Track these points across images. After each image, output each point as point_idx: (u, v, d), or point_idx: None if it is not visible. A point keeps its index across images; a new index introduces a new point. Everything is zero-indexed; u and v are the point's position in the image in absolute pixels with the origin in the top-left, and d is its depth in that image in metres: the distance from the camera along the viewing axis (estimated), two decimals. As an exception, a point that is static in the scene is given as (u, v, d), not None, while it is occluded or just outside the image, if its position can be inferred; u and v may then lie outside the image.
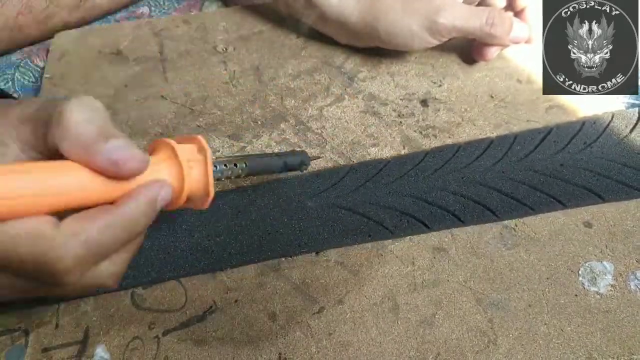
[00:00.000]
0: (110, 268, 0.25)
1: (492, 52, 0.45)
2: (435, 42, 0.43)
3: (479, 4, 0.45)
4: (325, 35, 0.48)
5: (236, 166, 0.31)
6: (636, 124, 0.41)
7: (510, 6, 0.45)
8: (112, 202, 0.24)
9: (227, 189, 0.39)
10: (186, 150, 0.27)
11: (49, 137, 0.23)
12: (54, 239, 0.22)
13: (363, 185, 0.38)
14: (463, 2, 0.43)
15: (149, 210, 0.25)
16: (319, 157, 0.40)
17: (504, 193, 0.37)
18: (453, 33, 0.42)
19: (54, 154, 0.23)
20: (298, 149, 0.39)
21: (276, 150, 0.41)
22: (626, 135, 0.40)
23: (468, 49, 0.47)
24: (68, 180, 0.23)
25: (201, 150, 0.28)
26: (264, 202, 0.38)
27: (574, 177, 0.38)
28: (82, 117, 0.23)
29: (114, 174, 0.23)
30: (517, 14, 0.45)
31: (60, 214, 0.23)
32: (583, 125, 0.41)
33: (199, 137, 0.28)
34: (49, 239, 0.22)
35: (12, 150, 0.23)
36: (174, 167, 0.26)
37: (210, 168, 0.27)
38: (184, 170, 0.26)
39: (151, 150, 0.28)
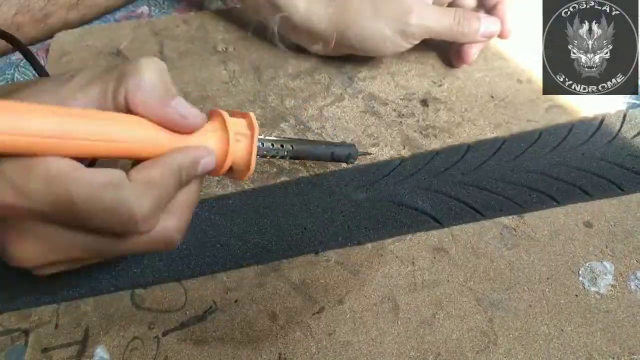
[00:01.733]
0: (175, 222, 0.27)
1: (471, 54, 0.45)
2: (407, 46, 0.43)
3: (449, 6, 0.45)
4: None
5: (282, 147, 0.32)
6: (621, 127, 0.41)
7: (482, 5, 0.45)
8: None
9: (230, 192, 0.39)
10: (236, 124, 0.29)
11: (120, 92, 0.25)
12: (133, 188, 0.24)
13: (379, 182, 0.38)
14: (433, 3, 0.43)
15: (192, 169, 0.26)
16: (368, 154, 0.40)
17: (495, 192, 0.38)
18: (425, 35, 0.42)
19: (119, 110, 0.25)
20: (348, 142, 0.39)
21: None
22: (614, 137, 0.41)
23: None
24: (136, 131, 0.25)
25: (250, 125, 0.29)
26: (267, 203, 0.38)
27: (564, 176, 0.38)
28: (155, 72, 0.26)
29: (180, 127, 0.26)
30: (491, 10, 0.45)
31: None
32: (572, 127, 0.41)
33: (251, 114, 0.30)
34: (128, 188, 0.24)
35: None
36: (222, 139, 0.28)
37: (255, 145, 0.29)
38: (230, 143, 0.28)
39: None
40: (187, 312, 0.34)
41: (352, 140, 0.42)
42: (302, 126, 0.43)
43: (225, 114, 0.28)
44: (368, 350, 0.32)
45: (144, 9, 0.55)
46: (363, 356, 0.32)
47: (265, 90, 0.46)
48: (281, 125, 0.43)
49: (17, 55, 0.50)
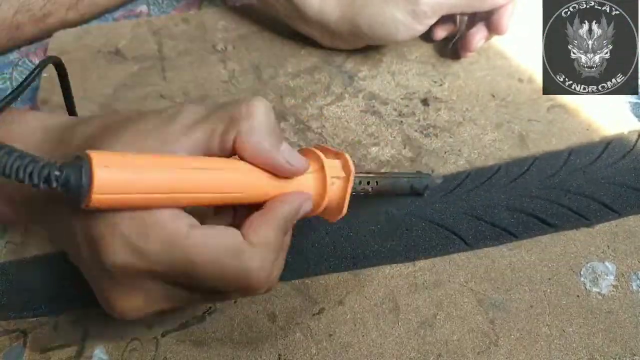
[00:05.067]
0: (277, 271, 0.27)
1: (476, 41, 0.44)
2: (421, 28, 0.42)
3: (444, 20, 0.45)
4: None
5: (368, 184, 0.32)
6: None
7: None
8: (262, 202, 0.26)
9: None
10: (332, 166, 0.29)
11: (230, 135, 0.24)
12: (254, 254, 0.24)
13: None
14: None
15: (294, 216, 0.26)
16: (440, 179, 0.38)
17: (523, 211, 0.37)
18: (438, 12, 0.41)
19: (222, 154, 0.24)
20: (424, 172, 0.38)
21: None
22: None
23: (469, 48, 0.46)
24: (245, 180, 0.25)
25: (346, 167, 0.29)
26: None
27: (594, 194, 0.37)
28: (266, 115, 0.25)
29: (285, 174, 0.26)
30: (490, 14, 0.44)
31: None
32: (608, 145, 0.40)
33: (346, 154, 0.29)
34: (249, 254, 0.23)
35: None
36: (320, 181, 0.28)
37: (350, 188, 0.29)
38: (327, 187, 0.28)
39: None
40: (186, 313, 0.33)
41: (352, 139, 0.42)
42: (302, 125, 0.43)
43: (322, 155, 0.28)
44: (368, 352, 0.32)
45: (143, 8, 0.54)
46: (363, 357, 0.31)
47: (265, 89, 0.45)
48: (281, 124, 0.43)
49: (15, 55, 0.50)
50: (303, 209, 0.27)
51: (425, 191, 0.37)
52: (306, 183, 0.27)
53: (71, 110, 0.35)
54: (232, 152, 0.24)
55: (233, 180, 0.24)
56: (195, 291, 0.25)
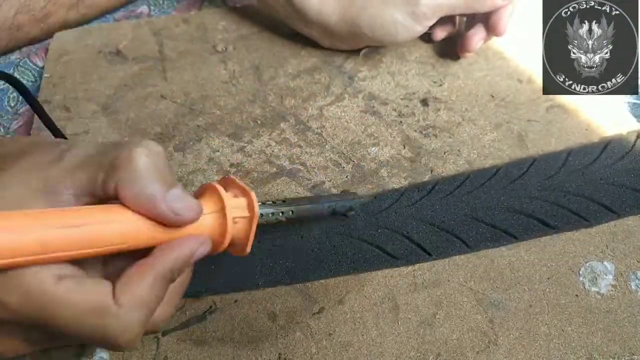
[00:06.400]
0: (162, 315, 0.26)
1: (475, 42, 0.44)
2: (420, 29, 0.43)
3: (444, 21, 0.45)
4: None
5: (282, 214, 0.31)
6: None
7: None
8: (152, 247, 0.24)
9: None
10: (235, 205, 0.27)
11: (110, 184, 0.23)
12: (120, 315, 0.22)
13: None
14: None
15: (184, 264, 0.25)
16: (365, 199, 0.36)
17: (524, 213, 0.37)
18: (438, 13, 0.42)
19: (108, 198, 0.23)
20: (349, 192, 0.37)
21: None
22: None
23: (468, 49, 0.47)
24: (126, 231, 0.23)
25: (250, 207, 0.27)
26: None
27: (594, 195, 0.37)
28: (149, 163, 0.23)
29: (172, 223, 0.24)
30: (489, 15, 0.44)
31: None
32: (606, 146, 0.40)
33: (252, 193, 0.27)
34: (114, 316, 0.22)
35: (66, 198, 0.23)
36: (219, 223, 0.26)
37: (254, 229, 0.27)
38: (228, 228, 0.26)
39: (200, 193, 0.28)
40: (187, 312, 0.33)
41: (352, 140, 0.42)
42: (302, 126, 0.43)
43: (223, 192, 0.26)
44: (368, 351, 0.32)
45: (144, 8, 0.54)
46: (363, 356, 0.32)
47: (265, 89, 0.46)
48: (281, 125, 0.43)
49: (16, 55, 0.50)
50: (198, 253, 0.25)
51: (350, 213, 0.35)
52: (204, 223, 0.26)
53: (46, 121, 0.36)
54: (116, 198, 0.23)
55: (114, 232, 0.23)
56: (59, 339, 0.24)
